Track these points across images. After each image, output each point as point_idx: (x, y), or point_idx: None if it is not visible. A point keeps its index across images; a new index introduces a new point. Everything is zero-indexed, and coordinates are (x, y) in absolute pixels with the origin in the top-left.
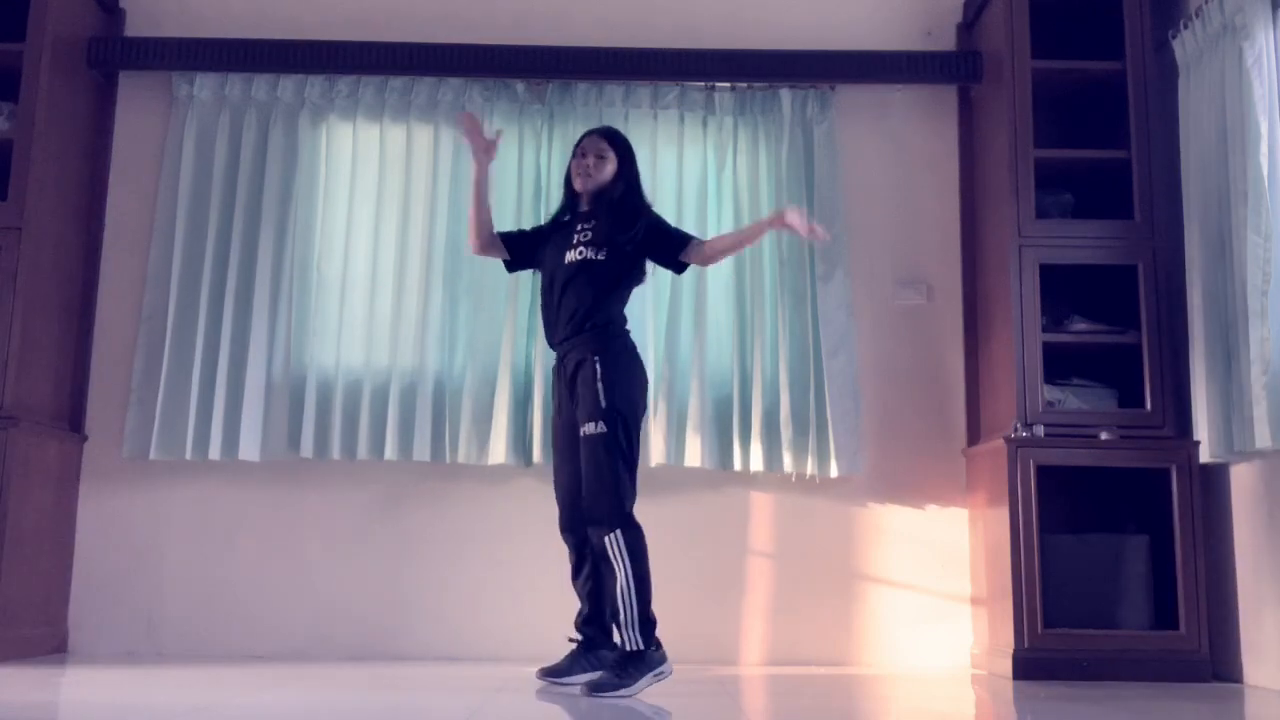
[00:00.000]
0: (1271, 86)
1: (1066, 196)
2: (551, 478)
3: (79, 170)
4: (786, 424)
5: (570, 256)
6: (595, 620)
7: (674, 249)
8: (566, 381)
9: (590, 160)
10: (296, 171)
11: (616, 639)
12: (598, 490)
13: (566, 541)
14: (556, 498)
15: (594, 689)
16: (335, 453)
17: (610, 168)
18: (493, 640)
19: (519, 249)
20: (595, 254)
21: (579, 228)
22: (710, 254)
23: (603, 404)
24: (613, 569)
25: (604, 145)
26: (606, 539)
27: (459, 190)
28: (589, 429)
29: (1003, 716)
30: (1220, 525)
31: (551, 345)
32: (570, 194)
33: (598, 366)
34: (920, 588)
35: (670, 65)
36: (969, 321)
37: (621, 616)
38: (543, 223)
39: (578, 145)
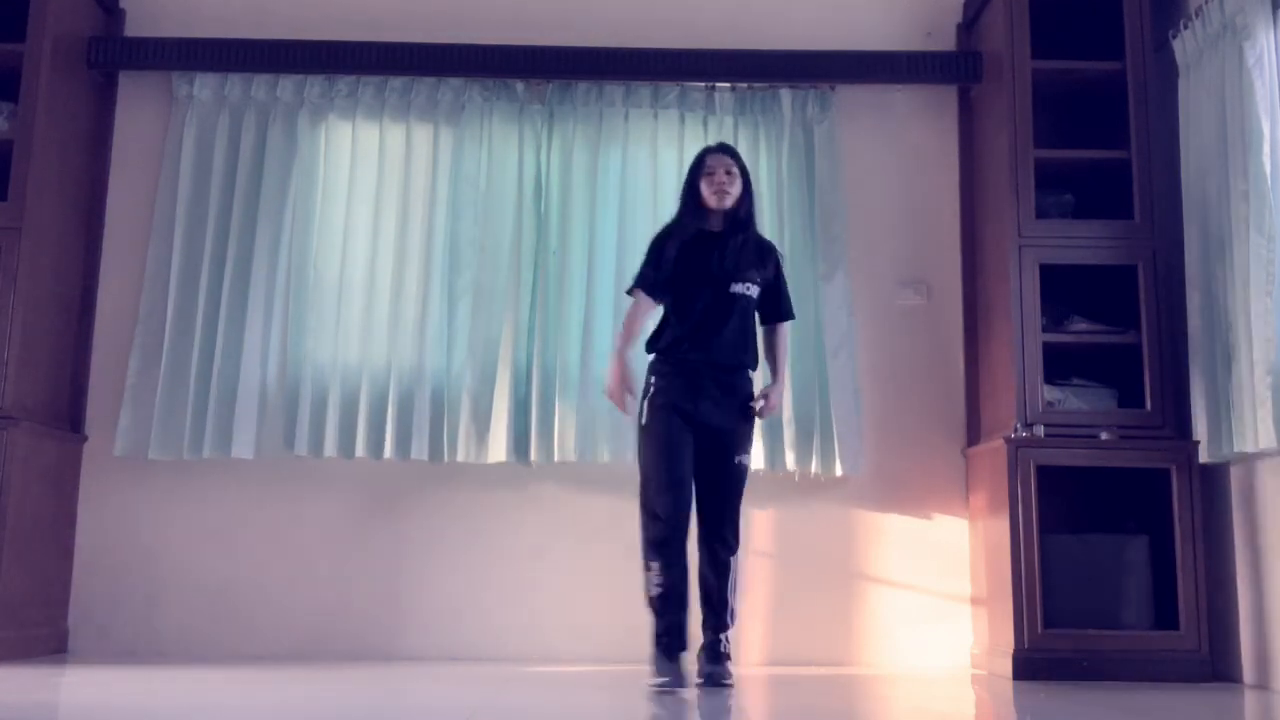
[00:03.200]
0: (1273, 86)
1: (1066, 196)
2: (553, 477)
3: (79, 170)
4: (789, 423)
5: (737, 289)
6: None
7: (777, 313)
8: (728, 401)
9: (722, 176)
10: (295, 171)
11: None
12: (738, 512)
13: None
14: (680, 502)
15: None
16: (331, 451)
17: (739, 184)
18: (493, 640)
19: (665, 286)
20: (751, 290)
21: (740, 258)
22: (777, 340)
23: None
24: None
25: (730, 163)
26: (735, 558)
27: (458, 190)
28: (744, 459)
29: (1003, 716)
30: (1220, 525)
31: (712, 359)
32: (698, 206)
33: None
34: (920, 588)
35: (670, 65)
36: (969, 321)
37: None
38: (665, 244)
39: (702, 163)
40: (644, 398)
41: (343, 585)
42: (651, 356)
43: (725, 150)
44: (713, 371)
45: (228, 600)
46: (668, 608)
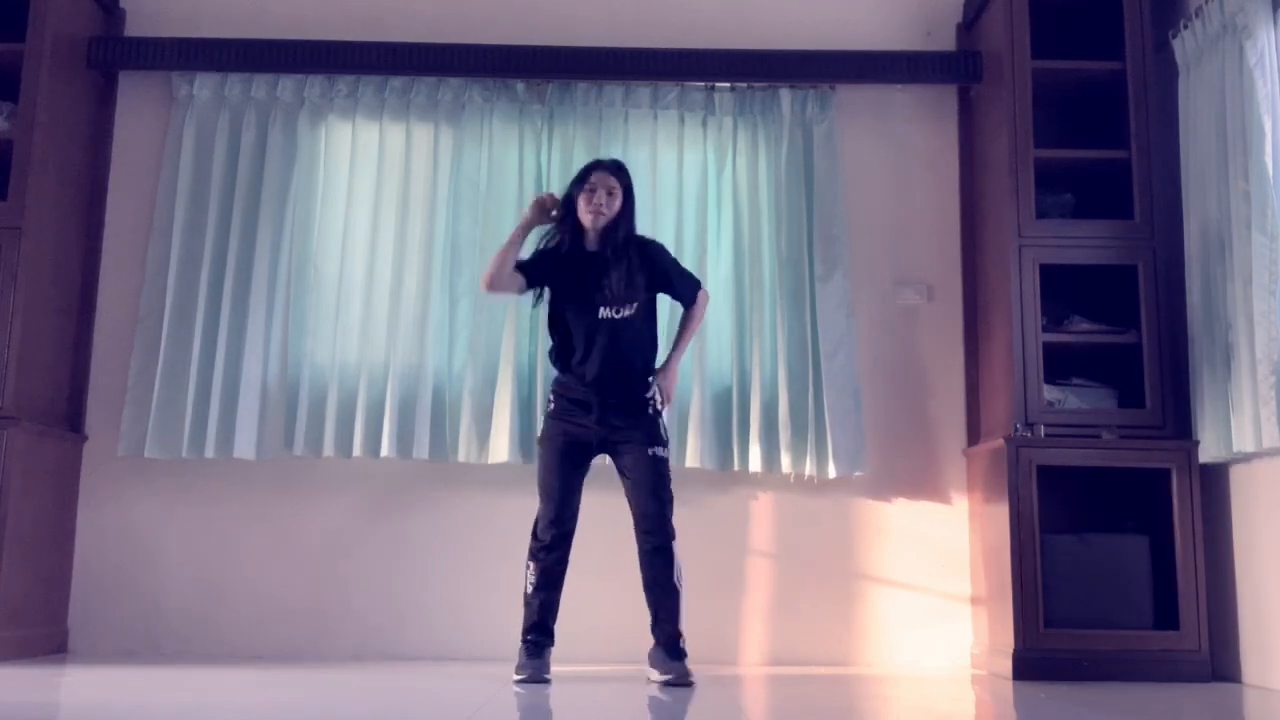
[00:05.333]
0: (1274, 86)
1: (1066, 196)
2: None
3: (79, 170)
4: (785, 425)
5: (604, 313)
6: None
7: (680, 298)
8: (624, 404)
9: (602, 196)
10: (295, 171)
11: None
12: (664, 503)
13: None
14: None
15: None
16: (331, 451)
17: (618, 204)
18: (493, 640)
19: (535, 276)
20: (625, 312)
21: (604, 280)
22: (687, 318)
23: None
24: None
25: (613, 182)
26: (674, 545)
27: (458, 190)
28: (656, 451)
29: (1003, 716)
30: (1220, 525)
31: (599, 374)
32: (574, 223)
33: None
34: (920, 588)
35: (670, 65)
36: (969, 321)
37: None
38: (542, 244)
39: (585, 179)
40: (545, 409)
41: (343, 585)
42: (555, 374)
43: (611, 168)
44: (601, 384)
45: (228, 600)
46: (536, 603)
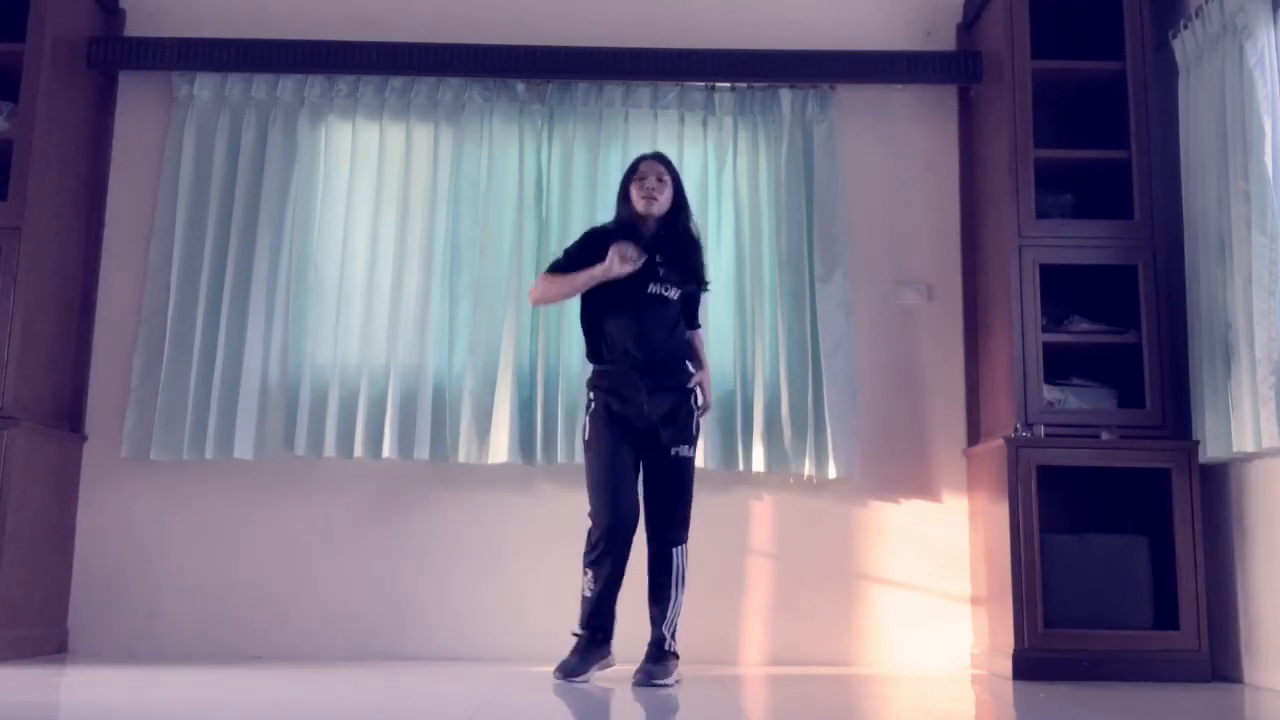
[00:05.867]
0: (1274, 86)
1: (1066, 196)
2: (554, 478)
3: (79, 170)
4: (785, 425)
5: (654, 289)
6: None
7: (694, 313)
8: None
9: (652, 181)
10: (296, 171)
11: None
12: (679, 504)
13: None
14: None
15: (650, 678)
16: (331, 452)
17: (669, 190)
18: (493, 640)
19: (585, 263)
20: (672, 292)
21: (658, 258)
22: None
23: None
24: (677, 577)
25: (661, 169)
26: (680, 549)
27: (458, 190)
28: (680, 451)
29: (1003, 716)
30: (1220, 525)
31: (643, 359)
32: (630, 212)
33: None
34: (920, 588)
35: (670, 65)
36: (969, 322)
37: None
38: (588, 235)
39: (635, 169)
40: (586, 412)
41: (343, 586)
42: (591, 369)
43: (657, 158)
44: (645, 370)
45: (228, 600)
46: (597, 610)
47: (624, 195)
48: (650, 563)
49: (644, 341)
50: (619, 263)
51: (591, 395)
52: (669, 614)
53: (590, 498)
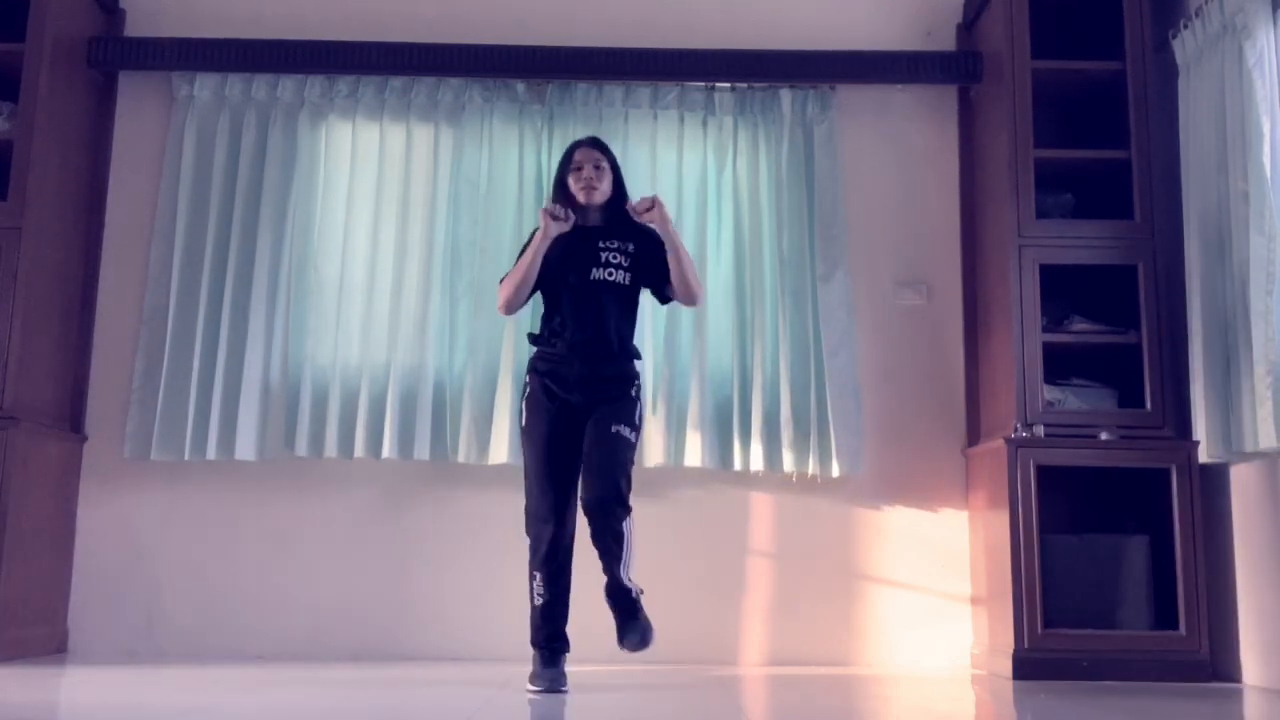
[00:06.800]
0: (1273, 86)
1: (1066, 196)
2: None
3: (79, 170)
4: (787, 424)
5: (597, 274)
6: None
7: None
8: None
9: (589, 170)
10: (296, 171)
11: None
12: (617, 477)
13: (566, 528)
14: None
15: (643, 643)
16: (332, 452)
17: (608, 177)
18: (493, 640)
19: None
20: (617, 277)
21: (601, 244)
22: (676, 284)
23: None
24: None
25: (597, 155)
26: (627, 522)
27: (458, 190)
28: (620, 430)
29: (1003, 716)
30: (1220, 525)
31: (582, 347)
32: (570, 203)
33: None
34: (920, 588)
35: (670, 65)
36: (969, 321)
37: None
38: (530, 235)
39: (569, 159)
40: (521, 397)
41: (344, 586)
42: (531, 352)
43: (591, 143)
44: (584, 356)
45: (228, 600)
46: (550, 616)
47: (560, 186)
48: (594, 540)
49: (583, 326)
50: (551, 223)
51: (528, 379)
52: (624, 556)
53: (525, 490)
